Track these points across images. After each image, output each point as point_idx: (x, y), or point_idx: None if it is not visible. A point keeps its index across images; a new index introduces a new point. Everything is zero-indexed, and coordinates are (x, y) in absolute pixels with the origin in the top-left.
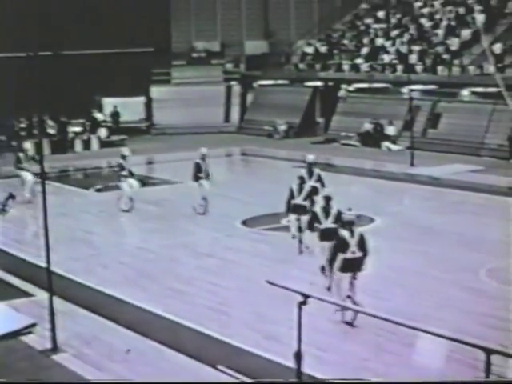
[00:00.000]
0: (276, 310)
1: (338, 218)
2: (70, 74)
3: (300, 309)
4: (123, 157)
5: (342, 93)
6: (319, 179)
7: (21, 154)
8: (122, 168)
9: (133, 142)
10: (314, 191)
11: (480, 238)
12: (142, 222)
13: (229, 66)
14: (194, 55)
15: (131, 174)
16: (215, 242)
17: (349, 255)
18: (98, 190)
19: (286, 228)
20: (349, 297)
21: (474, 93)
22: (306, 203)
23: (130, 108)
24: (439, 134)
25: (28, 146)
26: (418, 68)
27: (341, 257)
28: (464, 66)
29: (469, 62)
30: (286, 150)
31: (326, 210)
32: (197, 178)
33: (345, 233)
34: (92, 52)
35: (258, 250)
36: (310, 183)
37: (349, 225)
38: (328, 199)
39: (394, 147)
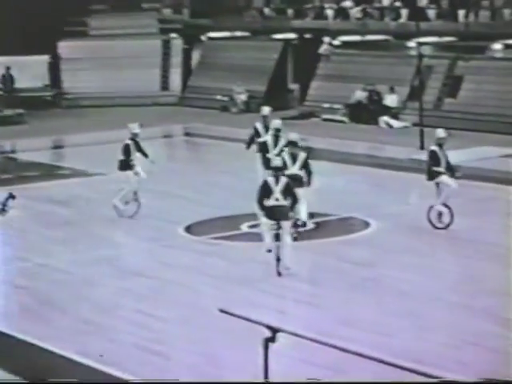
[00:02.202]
0: (232, 349)
1: None
2: None
3: (266, 348)
4: (135, 135)
5: (323, 49)
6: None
7: None
8: (128, 152)
9: (33, 117)
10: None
11: None
12: (46, 228)
13: (167, 12)
14: None
15: (145, 155)
16: (148, 255)
17: (272, 202)
18: None
19: (247, 236)
20: (269, 251)
21: (508, 46)
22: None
23: (29, 70)
24: (459, 104)
25: None
26: (431, 13)
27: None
28: (496, 10)
29: (502, 3)
30: (246, 128)
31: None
32: (125, 167)
33: (270, 179)
34: None
35: (207, 266)
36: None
37: (275, 170)
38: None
39: (396, 123)
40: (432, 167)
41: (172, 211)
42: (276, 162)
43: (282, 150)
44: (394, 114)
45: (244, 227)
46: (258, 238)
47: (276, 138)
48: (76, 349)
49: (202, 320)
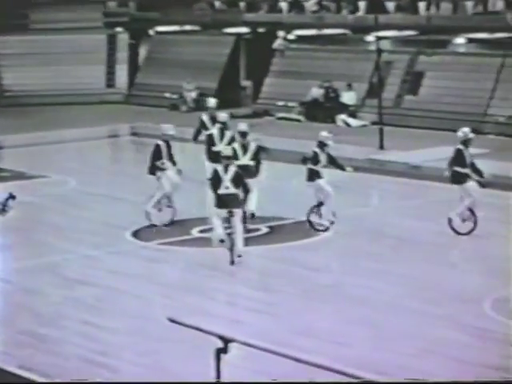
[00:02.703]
0: (183, 361)
1: None
2: None
3: (218, 359)
4: (169, 137)
5: (278, 43)
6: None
7: None
8: (159, 154)
9: None
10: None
11: (483, 254)
12: None
13: (112, 5)
14: None
15: (173, 163)
16: (94, 262)
17: (222, 191)
18: None
19: (197, 241)
20: (222, 241)
21: (472, 40)
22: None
23: None
24: (420, 102)
25: None
26: (390, 6)
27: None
28: (458, 2)
29: None
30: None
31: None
32: (155, 170)
33: (220, 168)
34: None
35: (156, 273)
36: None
37: (224, 159)
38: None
39: (354, 122)
40: (456, 168)
41: (118, 216)
42: (226, 151)
43: (229, 143)
44: (352, 112)
45: (194, 232)
46: (209, 243)
47: (222, 130)
48: (18, 363)
49: (150, 330)
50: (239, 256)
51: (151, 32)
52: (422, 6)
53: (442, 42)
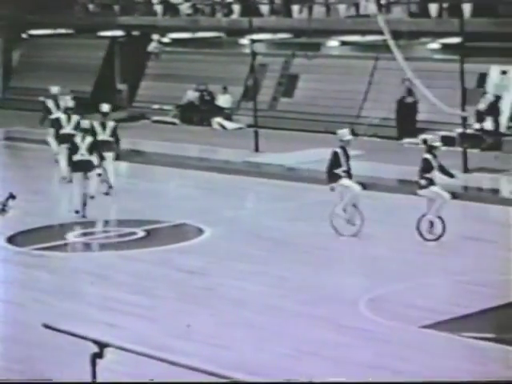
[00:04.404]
0: (59, 367)
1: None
2: None
3: (94, 364)
4: (345, 142)
5: (153, 46)
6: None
7: None
8: (338, 160)
9: None
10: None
11: (359, 255)
12: None
13: None
14: None
15: (348, 175)
16: None
17: (78, 157)
18: None
19: (73, 246)
20: (77, 212)
21: (345, 43)
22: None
23: None
24: (295, 104)
25: None
26: (264, 8)
27: (72, 158)
28: (330, 5)
29: None
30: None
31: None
32: (335, 178)
33: (78, 138)
34: None
35: (31, 278)
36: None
37: (82, 132)
38: None
39: (229, 125)
40: (424, 175)
41: None
42: (84, 124)
43: (76, 127)
44: (228, 114)
45: (70, 237)
46: (85, 247)
47: (68, 115)
48: None
49: (26, 337)
50: (92, 197)
51: (24, 35)
52: (295, 9)
53: (315, 44)
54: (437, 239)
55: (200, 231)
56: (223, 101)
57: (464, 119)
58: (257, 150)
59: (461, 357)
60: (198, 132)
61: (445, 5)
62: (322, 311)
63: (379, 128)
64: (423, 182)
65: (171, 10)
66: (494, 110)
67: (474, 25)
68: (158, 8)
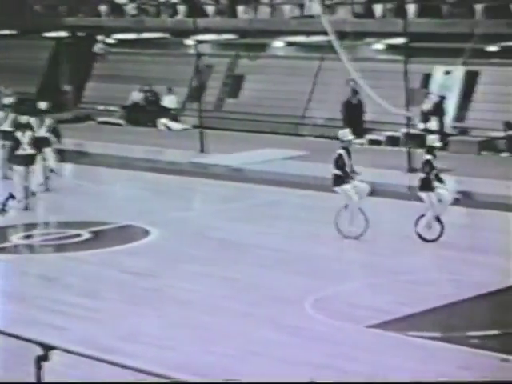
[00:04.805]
0: (3, 369)
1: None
2: None
3: (39, 367)
4: (347, 143)
5: (98, 47)
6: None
7: None
8: (343, 163)
9: None
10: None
11: (303, 255)
12: None
13: None
14: None
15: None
16: None
17: (20, 151)
18: None
19: (18, 248)
20: (13, 197)
21: (290, 44)
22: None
23: None
24: (241, 105)
25: None
26: (209, 9)
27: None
28: (275, 6)
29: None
30: None
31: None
32: (341, 182)
33: (19, 134)
34: None
35: None
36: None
37: (23, 127)
38: None
39: (175, 125)
40: (428, 176)
41: None
42: (22, 119)
43: (14, 124)
44: (173, 115)
45: (14, 239)
46: (30, 250)
47: (6, 112)
48: None
49: None
50: (34, 194)
51: None
52: (240, 9)
53: (261, 45)
54: (436, 239)
55: (146, 232)
56: (168, 102)
57: (409, 119)
58: (203, 150)
59: (407, 356)
60: (144, 133)
61: (389, 5)
62: (268, 312)
63: (324, 128)
64: (428, 184)
65: (116, 10)
66: (438, 110)
67: (418, 25)
68: (103, 9)
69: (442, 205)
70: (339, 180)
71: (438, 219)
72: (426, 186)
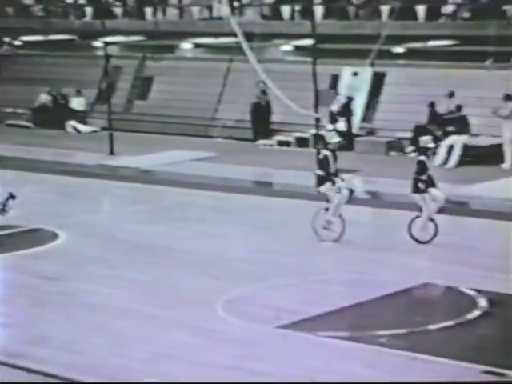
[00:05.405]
0: None
1: None
2: None
3: None
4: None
5: (5, 49)
6: None
7: None
8: (327, 163)
9: None
10: None
11: (213, 257)
12: None
13: None
14: None
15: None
16: None
17: None
18: None
19: None
20: None
21: (199, 45)
22: None
23: None
24: (150, 106)
25: None
26: (117, 11)
27: None
28: (184, 7)
29: (191, 1)
30: None
31: None
32: (324, 181)
33: None
34: None
35: None
36: None
37: None
38: None
39: (83, 128)
40: (421, 178)
41: None
42: None
43: None
44: (82, 117)
45: None
46: None
47: None
48: None
49: None
50: None
51: None
52: (148, 11)
53: (169, 47)
54: (430, 241)
55: (55, 236)
56: (77, 104)
57: (317, 120)
58: (112, 152)
59: (317, 356)
60: (52, 135)
61: (297, 7)
62: (178, 314)
63: (234, 130)
64: (421, 185)
65: (23, 12)
66: (346, 111)
67: (325, 27)
68: (10, 10)
69: (435, 205)
70: (322, 180)
71: (431, 220)
72: (419, 187)
